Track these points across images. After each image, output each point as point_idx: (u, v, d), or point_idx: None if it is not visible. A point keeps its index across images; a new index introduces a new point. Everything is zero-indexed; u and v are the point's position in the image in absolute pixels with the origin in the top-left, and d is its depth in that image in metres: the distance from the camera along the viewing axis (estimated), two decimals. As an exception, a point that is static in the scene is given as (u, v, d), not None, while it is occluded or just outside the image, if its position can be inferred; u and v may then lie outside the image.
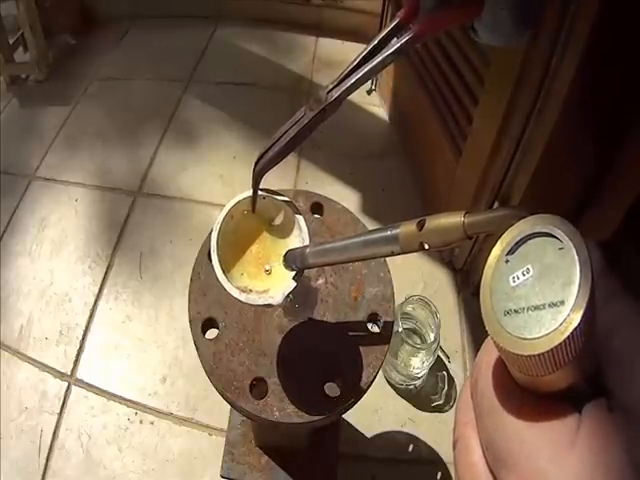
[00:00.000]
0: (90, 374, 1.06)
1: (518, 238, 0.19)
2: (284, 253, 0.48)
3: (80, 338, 1.11)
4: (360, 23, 1.73)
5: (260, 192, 0.49)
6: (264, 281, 0.49)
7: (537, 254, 0.19)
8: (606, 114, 0.77)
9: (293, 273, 0.47)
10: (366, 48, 0.39)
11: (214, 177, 1.39)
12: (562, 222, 0.18)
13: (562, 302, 0.17)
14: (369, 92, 1.62)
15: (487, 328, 0.19)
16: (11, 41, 1.62)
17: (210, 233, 0.48)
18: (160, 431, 0.98)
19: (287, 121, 0.43)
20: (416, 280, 1.18)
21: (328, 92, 0.42)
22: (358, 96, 1.58)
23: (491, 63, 0.92)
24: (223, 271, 0.46)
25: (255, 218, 0.51)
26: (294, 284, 0.47)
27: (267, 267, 0.51)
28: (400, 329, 0.95)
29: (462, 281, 1.19)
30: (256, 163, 0.45)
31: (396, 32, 0.37)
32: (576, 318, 0.16)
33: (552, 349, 0.16)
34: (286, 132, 0.43)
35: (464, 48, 1.03)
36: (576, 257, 0.17)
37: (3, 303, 1.17)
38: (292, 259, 0.46)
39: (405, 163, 1.44)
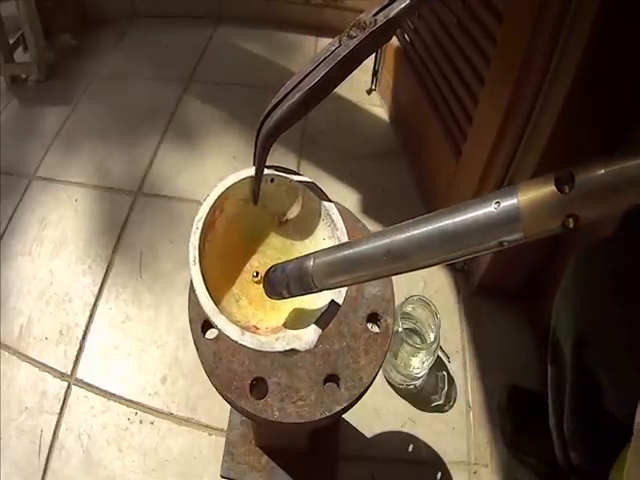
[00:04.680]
0: (90, 374, 1.06)
1: None
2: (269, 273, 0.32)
3: (80, 338, 1.11)
4: (360, 23, 1.73)
5: (266, 171, 0.33)
6: (276, 310, 0.34)
7: None
8: (608, 113, 0.77)
9: (325, 294, 0.30)
10: None
11: (214, 177, 1.39)
12: None
13: None
14: (369, 92, 1.62)
15: None
16: (11, 41, 1.62)
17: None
18: (160, 431, 0.98)
19: (308, 62, 0.29)
20: (416, 280, 1.18)
21: (375, 15, 0.29)
22: (358, 96, 1.59)
23: (491, 63, 0.92)
24: (211, 295, 0.29)
25: (257, 211, 0.34)
26: (334, 309, 0.30)
27: (255, 273, 0.33)
28: (400, 329, 0.95)
29: (462, 281, 1.19)
30: (263, 120, 0.30)
31: None
32: None
33: None
34: (311, 73, 0.28)
35: (464, 48, 1.03)
36: None
37: (3, 303, 1.17)
38: (277, 281, 0.30)
39: (405, 163, 1.44)
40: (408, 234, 0.23)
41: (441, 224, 0.22)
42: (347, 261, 0.26)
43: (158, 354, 1.09)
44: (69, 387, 1.04)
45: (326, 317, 0.31)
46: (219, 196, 0.33)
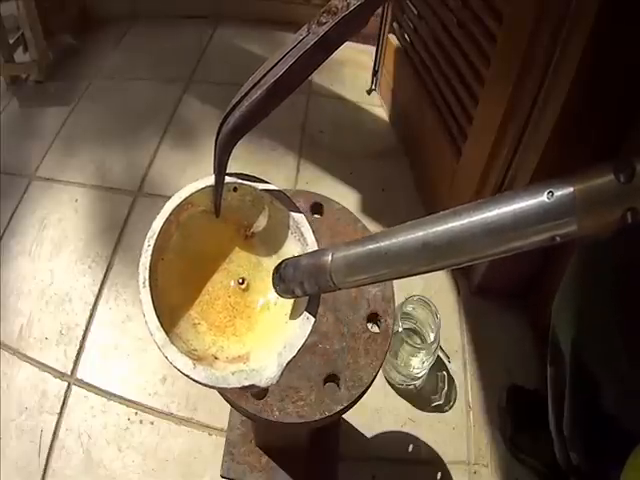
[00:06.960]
0: (90, 374, 1.06)
1: None
2: (273, 280, 0.28)
3: (80, 338, 1.11)
4: (360, 23, 1.73)
5: (228, 178, 0.30)
6: (239, 336, 0.29)
7: None
8: (608, 113, 0.77)
9: (299, 318, 0.28)
10: None
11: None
12: None
13: None
14: (369, 92, 1.62)
15: None
16: (11, 41, 1.62)
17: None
18: (160, 431, 0.98)
19: (275, 53, 0.26)
20: (416, 280, 1.18)
21: None
22: (358, 96, 1.58)
23: (491, 63, 0.92)
24: (161, 323, 0.28)
25: (220, 225, 0.31)
26: (300, 340, 0.27)
27: (240, 279, 0.29)
28: (400, 329, 0.95)
29: (462, 281, 1.19)
30: (222, 122, 0.28)
31: None
32: None
33: None
34: (276, 65, 0.25)
35: (464, 48, 1.03)
36: None
37: (3, 303, 1.17)
38: (290, 279, 0.27)
39: (405, 163, 1.44)
40: (447, 226, 0.21)
41: (486, 215, 0.20)
42: (372, 256, 0.22)
43: (158, 354, 1.08)
44: (69, 387, 1.04)
45: (299, 336, 0.28)
46: (175, 209, 0.29)
